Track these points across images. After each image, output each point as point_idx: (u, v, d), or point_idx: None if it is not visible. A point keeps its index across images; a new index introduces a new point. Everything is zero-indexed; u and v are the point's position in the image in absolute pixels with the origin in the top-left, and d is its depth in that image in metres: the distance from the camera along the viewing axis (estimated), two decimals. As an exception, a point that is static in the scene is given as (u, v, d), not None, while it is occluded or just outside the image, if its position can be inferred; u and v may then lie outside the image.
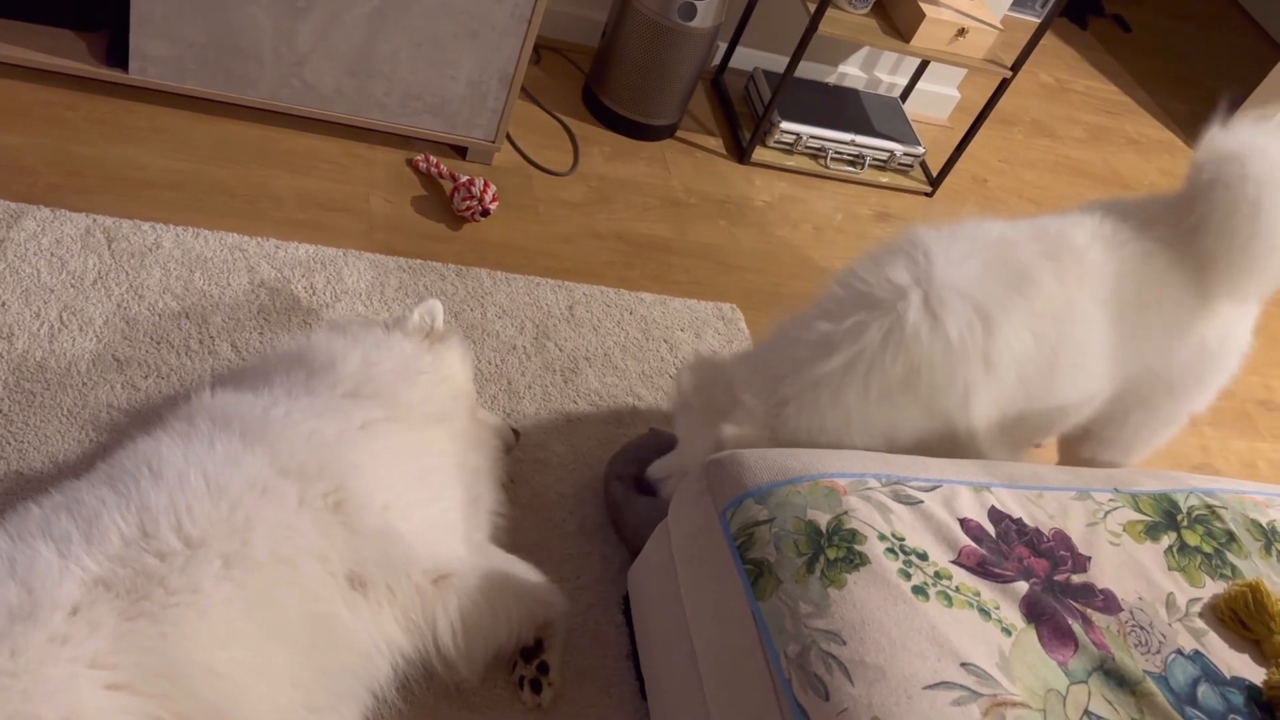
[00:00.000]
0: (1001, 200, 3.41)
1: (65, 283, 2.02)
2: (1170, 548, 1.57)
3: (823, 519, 1.40)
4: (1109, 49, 4.61)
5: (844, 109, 3.25)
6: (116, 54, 2.35)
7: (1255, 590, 1.50)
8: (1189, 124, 4.25)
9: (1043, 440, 1.88)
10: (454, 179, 2.53)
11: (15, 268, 2.00)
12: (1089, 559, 1.50)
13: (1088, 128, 4.00)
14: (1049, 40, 4.38)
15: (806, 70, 3.36)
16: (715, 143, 3.12)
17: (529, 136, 2.83)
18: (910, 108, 3.47)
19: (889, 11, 3.02)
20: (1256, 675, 1.44)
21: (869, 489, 1.46)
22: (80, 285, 2.02)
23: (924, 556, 1.39)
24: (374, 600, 1.47)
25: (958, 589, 1.37)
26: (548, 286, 2.42)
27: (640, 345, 2.38)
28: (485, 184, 2.47)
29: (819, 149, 3.15)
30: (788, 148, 3.13)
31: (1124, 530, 1.56)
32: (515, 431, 2.02)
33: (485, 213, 2.48)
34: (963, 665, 1.28)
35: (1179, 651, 1.43)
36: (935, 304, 1.59)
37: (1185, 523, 1.61)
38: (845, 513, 1.41)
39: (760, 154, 3.10)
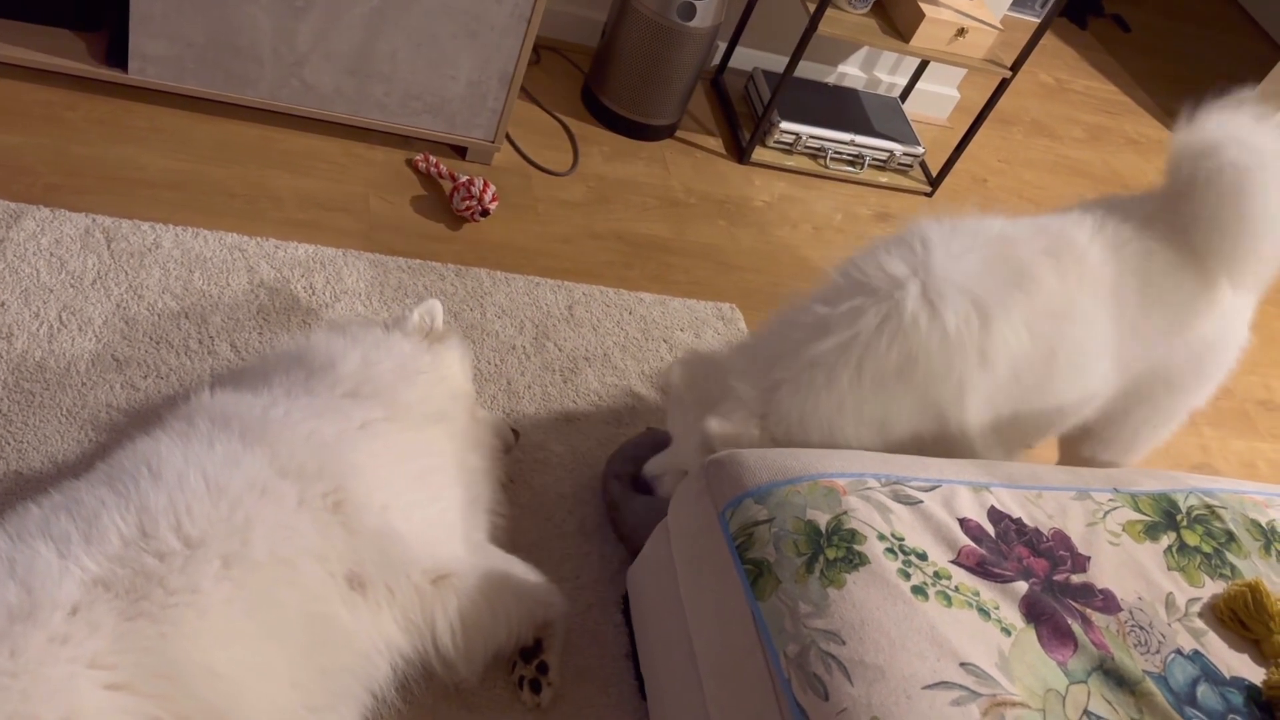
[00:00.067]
0: (1001, 200, 3.41)
1: (64, 283, 2.02)
2: (1170, 548, 1.57)
3: (822, 519, 1.40)
4: (1109, 49, 4.61)
5: (844, 109, 3.25)
6: (116, 54, 2.35)
7: (1255, 590, 1.50)
8: (1189, 124, 4.26)
9: (1037, 442, 1.87)
10: (453, 179, 2.53)
11: (15, 268, 2.00)
12: (1088, 559, 1.50)
13: (1087, 128, 4.00)
14: (1049, 40, 4.38)
15: (806, 70, 3.36)
16: (715, 143, 3.12)
17: (528, 136, 2.83)
18: (910, 108, 3.47)
19: (889, 11, 3.01)
20: (1256, 675, 1.44)
21: (868, 489, 1.46)
22: (79, 285, 2.02)
23: (923, 556, 1.39)
24: (373, 600, 1.47)
25: (957, 589, 1.37)
26: (547, 286, 2.42)
27: (640, 345, 2.38)
28: (485, 184, 2.47)
29: (818, 149, 3.15)
30: (787, 148, 3.13)
31: (1123, 530, 1.56)
32: (515, 431, 2.02)
33: (485, 213, 2.47)
34: (962, 665, 1.28)
35: (1178, 651, 1.43)
36: (933, 295, 1.59)
37: (1185, 523, 1.61)
38: (845, 512, 1.41)
39: (760, 154, 3.10)
